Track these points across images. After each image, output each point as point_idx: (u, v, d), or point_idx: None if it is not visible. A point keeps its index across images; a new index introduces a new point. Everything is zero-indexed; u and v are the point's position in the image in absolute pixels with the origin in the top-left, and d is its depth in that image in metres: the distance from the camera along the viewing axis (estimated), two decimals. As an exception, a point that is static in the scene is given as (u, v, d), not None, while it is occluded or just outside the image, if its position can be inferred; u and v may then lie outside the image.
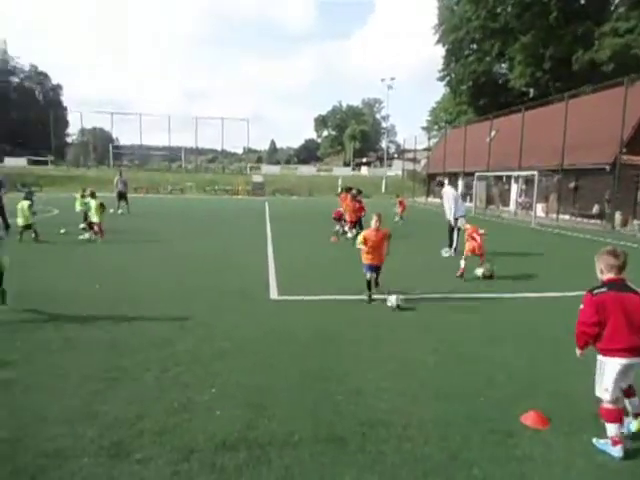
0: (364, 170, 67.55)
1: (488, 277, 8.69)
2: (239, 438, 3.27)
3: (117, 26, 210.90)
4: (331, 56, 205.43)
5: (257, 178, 51.32)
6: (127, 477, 2.83)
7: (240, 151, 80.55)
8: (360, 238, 7.01)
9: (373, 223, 7.13)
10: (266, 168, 63.19)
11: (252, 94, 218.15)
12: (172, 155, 66.40)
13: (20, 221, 12.12)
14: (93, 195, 13.63)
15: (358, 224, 14.09)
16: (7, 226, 13.62)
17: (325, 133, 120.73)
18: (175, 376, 4.25)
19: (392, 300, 6.58)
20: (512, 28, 42.44)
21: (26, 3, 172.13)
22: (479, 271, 8.76)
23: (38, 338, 5.14)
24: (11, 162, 51.97)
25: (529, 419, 3.54)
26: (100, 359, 4.59)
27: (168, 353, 4.80)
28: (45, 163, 56.60)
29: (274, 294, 7.37)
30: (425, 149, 50.36)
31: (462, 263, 8.90)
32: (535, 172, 22.76)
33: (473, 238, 8.99)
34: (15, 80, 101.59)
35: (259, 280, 8.29)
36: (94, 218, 12.97)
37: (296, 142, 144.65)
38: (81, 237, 12.94)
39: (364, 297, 6.97)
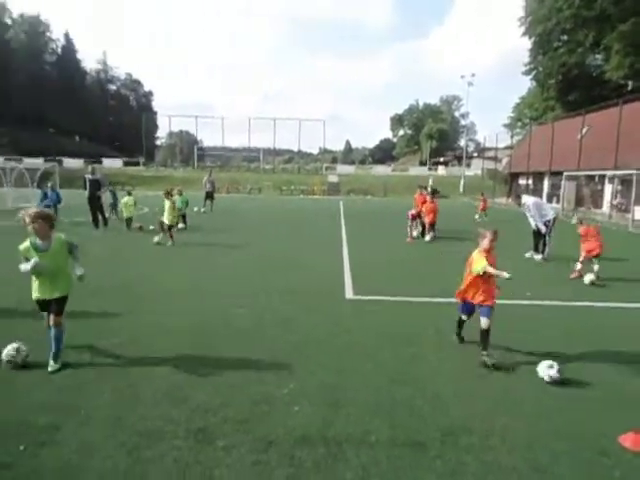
0: (441, 170, 65.71)
1: (594, 284, 8.14)
2: (317, 434, 3.32)
3: (200, 32, 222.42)
4: (408, 55, 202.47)
5: (332, 178, 51.76)
6: (212, 462, 2.99)
7: (316, 151, 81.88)
8: (482, 262, 4.66)
9: (486, 242, 4.82)
10: (341, 168, 63.52)
11: (329, 95, 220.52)
12: (251, 156, 68.83)
13: (125, 214, 14.71)
14: (169, 194, 12.54)
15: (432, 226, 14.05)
16: (105, 222, 14.90)
17: (401, 132, 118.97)
18: (254, 369, 4.40)
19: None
20: (609, 15, 39.17)
21: (122, 19, 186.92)
22: (589, 277, 8.22)
23: (141, 323, 5.56)
24: (108, 163, 56.68)
25: (629, 440, 3.25)
26: (185, 347, 4.87)
27: (247, 345, 4.98)
28: (137, 164, 61.03)
29: (349, 294, 7.40)
30: (507, 147, 47.95)
31: (578, 265, 8.43)
32: (633, 171, 20.86)
33: (592, 237, 8.49)
34: (112, 88, 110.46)
35: (334, 279, 8.35)
36: (165, 219, 12.02)
37: (371, 142, 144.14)
38: (155, 239, 11.97)
39: (454, 338, 5.30)
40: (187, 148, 77.39)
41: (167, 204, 12.17)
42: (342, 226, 17.54)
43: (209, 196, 22.64)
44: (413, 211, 14.61)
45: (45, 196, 15.59)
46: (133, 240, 12.91)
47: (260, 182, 49.11)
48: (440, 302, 6.91)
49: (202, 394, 3.85)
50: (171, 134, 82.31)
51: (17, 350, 4.25)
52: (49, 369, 4.20)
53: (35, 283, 4.28)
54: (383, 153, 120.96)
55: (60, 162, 39.02)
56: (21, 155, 49.91)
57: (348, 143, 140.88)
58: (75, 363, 4.41)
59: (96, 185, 14.41)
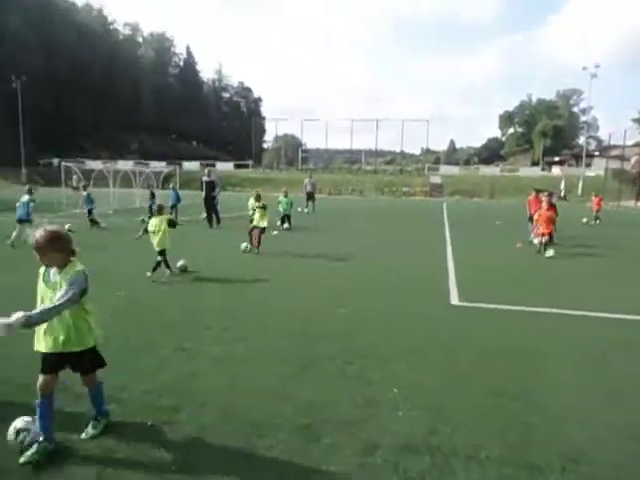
0: (555, 170, 60.61)
1: None
2: (422, 442, 3.22)
3: (304, 37, 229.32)
4: (518, 48, 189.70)
5: (435, 179, 50.31)
6: (317, 459, 3.03)
7: (418, 152, 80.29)
8: None
9: None
10: (445, 169, 61.44)
11: (433, 94, 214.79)
12: (353, 157, 69.42)
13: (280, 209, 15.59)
14: (258, 198, 11.36)
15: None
16: (218, 221, 15.97)
17: (511, 130, 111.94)
18: (358, 370, 4.40)
19: None
20: None
21: (235, 31, 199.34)
22: None
23: (247, 316, 5.87)
24: (221, 166, 60.72)
25: None
26: (294, 345, 5.02)
27: (351, 346, 5.00)
28: (246, 167, 64.60)
29: (455, 299, 7.11)
30: (636, 144, 42.85)
31: None
32: None
33: None
34: (226, 96, 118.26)
35: (438, 284, 8.09)
36: (258, 223, 10.96)
37: (477, 141, 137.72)
38: (243, 246, 11.04)
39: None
40: (292, 151, 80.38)
41: (258, 207, 11.13)
42: (445, 229, 16.96)
43: (310, 197, 23.25)
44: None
45: (177, 196, 17.36)
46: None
47: (361, 183, 49.29)
48: (558, 313, 6.35)
49: (307, 392, 3.93)
50: (277, 138, 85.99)
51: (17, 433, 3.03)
52: (82, 435, 3.18)
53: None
54: (490, 153, 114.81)
55: (180, 165, 42.69)
56: (147, 159, 55.52)
57: (452, 143, 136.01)
58: (192, 349, 4.77)
59: (211, 186, 15.54)
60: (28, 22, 68.34)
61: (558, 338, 5.42)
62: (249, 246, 10.88)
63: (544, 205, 12.24)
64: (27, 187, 12.56)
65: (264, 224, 10.90)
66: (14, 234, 11.10)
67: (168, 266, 8.19)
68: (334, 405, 3.73)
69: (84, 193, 15.53)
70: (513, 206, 31.45)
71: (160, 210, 8.38)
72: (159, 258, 8.02)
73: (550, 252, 11.07)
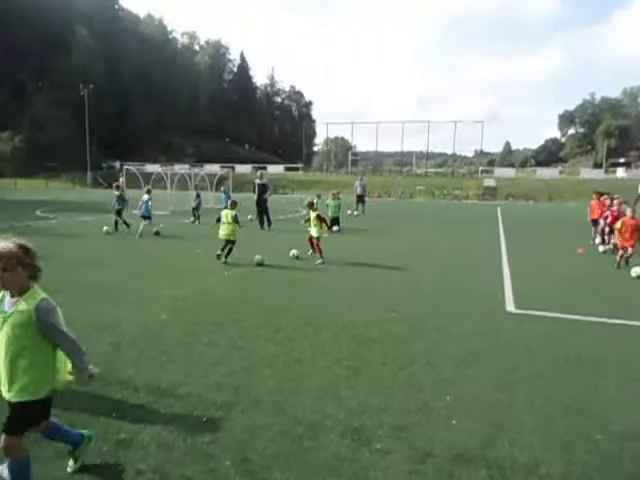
0: (620, 172, 57.20)
1: None
2: (477, 454, 3.12)
3: (355, 41, 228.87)
4: (581, 45, 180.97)
5: (489, 182, 48.78)
6: (367, 463, 3.01)
7: (471, 154, 78.15)
8: None
9: None
10: (499, 171, 59.50)
11: (488, 94, 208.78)
12: (403, 160, 68.60)
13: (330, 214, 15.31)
14: (311, 206, 10.85)
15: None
16: (270, 223, 16.24)
17: (571, 131, 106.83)
18: (410, 376, 4.34)
19: None
20: None
21: (287, 36, 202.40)
22: None
23: (304, 319, 5.93)
24: (272, 169, 61.81)
25: None
26: (346, 348, 5.02)
27: (403, 351, 4.94)
28: (296, 169, 65.39)
29: (510, 307, 6.85)
30: None
31: None
32: None
33: None
34: (278, 100, 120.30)
35: (493, 290, 7.83)
36: (313, 233, 10.28)
37: (534, 142, 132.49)
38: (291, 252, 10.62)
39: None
40: (341, 153, 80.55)
41: (312, 214, 10.51)
42: (500, 233, 16.40)
43: (360, 199, 23.17)
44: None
45: (228, 199, 18.00)
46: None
47: (412, 186, 48.60)
48: (621, 324, 5.98)
49: (359, 395, 3.92)
50: (327, 140, 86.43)
51: None
52: (68, 469, 2.87)
53: None
54: (548, 154, 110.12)
55: (233, 168, 43.83)
56: (202, 162, 57.38)
57: (508, 144, 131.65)
58: (245, 347, 4.87)
59: (263, 189, 15.84)
60: (94, 34, 72.65)
61: (621, 350, 5.10)
62: (297, 252, 10.50)
63: (628, 212, 10.40)
64: (146, 188, 14.80)
65: (316, 233, 10.24)
66: (140, 228, 13.84)
67: (227, 255, 9.62)
68: (385, 410, 3.69)
69: (116, 193, 15.07)
70: (573, 210, 29.98)
71: (233, 205, 10.09)
72: (229, 246, 9.61)
73: (637, 270, 8.94)
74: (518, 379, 4.33)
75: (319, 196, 16.62)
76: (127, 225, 14.89)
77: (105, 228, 14.32)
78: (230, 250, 9.59)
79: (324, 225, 10.49)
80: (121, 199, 14.96)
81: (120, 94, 74.80)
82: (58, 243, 11.88)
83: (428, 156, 70.60)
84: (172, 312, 6.09)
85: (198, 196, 18.13)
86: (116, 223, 14.76)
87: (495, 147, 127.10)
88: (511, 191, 45.01)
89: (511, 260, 10.79)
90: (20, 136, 59.76)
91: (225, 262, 9.50)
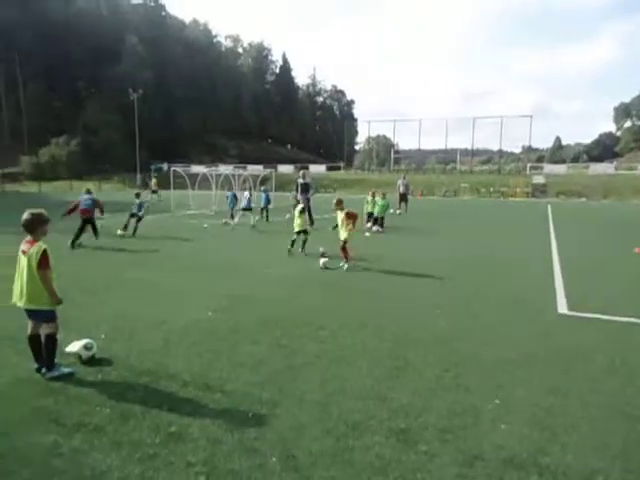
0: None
1: None
2: (529, 459, 3.02)
3: (397, 38, 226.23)
4: (635, 34, 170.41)
5: (538, 179, 47.00)
6: (413, 465, 2.97)
7: (518, 150, 75.61)
8: None
9: None
10: (549, 168, 57.15)
11: (536, 88, 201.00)
12: (447, 157, 67.26)
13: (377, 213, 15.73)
14: (341, 206, 9.46)
15: None
16: (312, 222, 16.33)
17: (628, 124, 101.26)
18: (455, 377, 4.25)
19: None
20: None
21: (328, 36, 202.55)
22: None
23: (347, 319, 5.94)
24: (313, 168, 62.10)
25: None
26: (389, 348, 4.98)
27: (447, 352, 4.85)
28: (338, 169, 65.35)
29: (562, 308, 6.58)
30: None
31: None
32: None
33: None
34: (319, 99, 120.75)
35: (544, 291, 7.54)
36: (341, 235, 9.30)
37: (587, 137, 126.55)
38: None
39: None
40: (383, 152, 79.83)
41: (339, 214, 9.38)
42: (550, 231, 15.77)
43: (403, 198, 22.90)
44: None
45: (267, 198, 18.38)
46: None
47: (456, 184, 47.52)
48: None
49: (403, 396, 3.88)
50: (369, 139, 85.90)
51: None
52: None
53: None
54: (602, 149, 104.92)
55: (275, 168, 44.35)
56: (245, 163, 58.43)
57: (558, 139, 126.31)
58: (289, 346, 4.92)
59: (306, 188, 15.94)
60: (143, 41, 75.43)
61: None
62: (326, 252, 9.58)
63: None
64: (248, 185, 16.10)
65: (344, 235, 9.24)
66: (253, 220, 16.01)
67: (303, 246, 10.68)
68: (430, 411, 3.63)
69: (137, 201, 14.31)
70: (632, 208, 28.42)
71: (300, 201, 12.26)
72: (302, 237, 10.71)
73: None
74: (571, 383, 4.15)
75: (374, 195, 16.07)
76: (134, 232, 13.77)
77: (119, 232, 13.51)
78: (305, 241, 10.75)
79: (352, 223, 9.31)
80: (140, 206, 14.23)
81: (167, 98, 77.32)
82: (109, 241, 12.42)
83: (473, 153, 68.83)
84: (218, 310, 6.24)
85: (235, 197, 18.40)
86: (133, 227, 13.92)
87: (544, 143, 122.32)
88: (562, 188, 43.14)
89: (563, 260, 10.36)
90: (75, 140, 62.76)
91: (304, 253, 10.60)
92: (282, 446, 3.15)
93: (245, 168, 45.06)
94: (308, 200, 16.02)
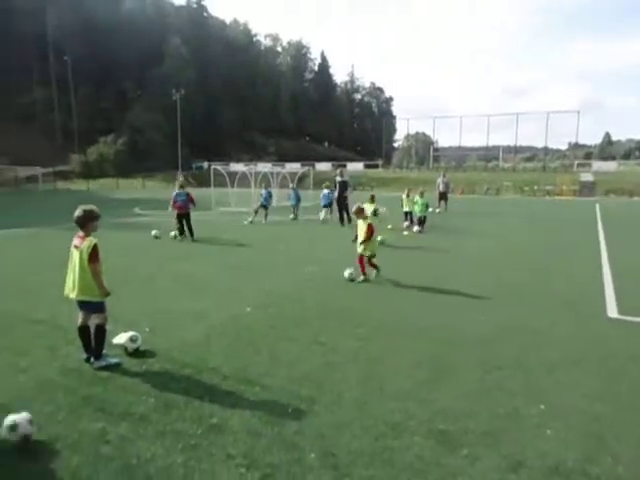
0: None
1: None
2: (576, 467, 2.91)
3: (438, 32, 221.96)
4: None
5: (586, 176, 45.07)
6: (454, 468, 2.91)
7: (564, 147, 72.78)
8: None
9: None
10: (598, 165, 54.68)
11: (583, 82, 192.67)
12: (489, 155, 65.57)
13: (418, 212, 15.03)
14: (363, 215, 8.09)
15: None
16: (349, 220, 16.29)
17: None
18: (498, 380, 4.14)
19: None
20: None
21: (368, 33, 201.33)
22: None
23: (385, 318, 5.91)
24: (351, 167, 61.94)
25: None
26: (429, 349, 4.91)
27: (490, 354, 4.72)
28: (376, 167, 64.93)
29: (613, 312, 6.28)
30: None
31: None
32: None
33: None
34: (357, 97, 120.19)
35: (593, 294, 7.22)
36: (361, 249, 7.87)
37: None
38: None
39: None
40: (422, 149, 78.60)
41: (360, 225, 8.16)
42: (599, 231, 15.10)
43: (442, 197, 22.49)
44: None
45: (297, 196, 18.62)
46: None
47: (498, 182, 46.23)
48: None
49: (444, 398, 3.81)
50: (408, 136, 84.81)
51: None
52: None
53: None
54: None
55: (313, 166, 44.49)
56: (283, 161, 58.93)
57: (607, 135, 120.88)
58: (327, 343, 4.93)
59: (344, 186, 15.92)
60: (185, 41, 77.30)
61: None
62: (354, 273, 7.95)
63: None
64: (325, 184, 16.77)
65: (363, 250, 7.85)
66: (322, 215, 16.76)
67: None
68: (471, 414, 3.54)
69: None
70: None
71: (372, 199, 12.34)
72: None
73: None
74: (622, 390, 3.96)
75: (422, 194, 15.32)
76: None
77: (154, 232, 13.00)
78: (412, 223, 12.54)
79: (368, 239, 7.84)
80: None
81: (208, 97, 79.00)
82: (151, 237, 12.82)
83: (517, 150, 66.80)
84: (257, 306, 6.32)
85: (295, 191, 18.60)
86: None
87: (592, 139, 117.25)
88: (612, 186, 41.20)
89: (613, 262, 9.89)
90: (121, 139, 65.18)
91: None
92: (321, 442, 3.16)
93: (283, 166, 45.46)
94: (346, 198, 15.98)
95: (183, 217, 12.62)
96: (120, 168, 59.87)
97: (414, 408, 3.63)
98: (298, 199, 18.78)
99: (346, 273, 7.90)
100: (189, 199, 12.78)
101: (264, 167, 37.20)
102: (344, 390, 3.92)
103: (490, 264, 9.66)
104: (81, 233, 4.28)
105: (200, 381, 4.07)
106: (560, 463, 2.95)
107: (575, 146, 72.93)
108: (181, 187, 13.03)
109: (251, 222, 16.73)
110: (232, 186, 24.14)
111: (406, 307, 6.46)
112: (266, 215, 17.41)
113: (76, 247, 4.23)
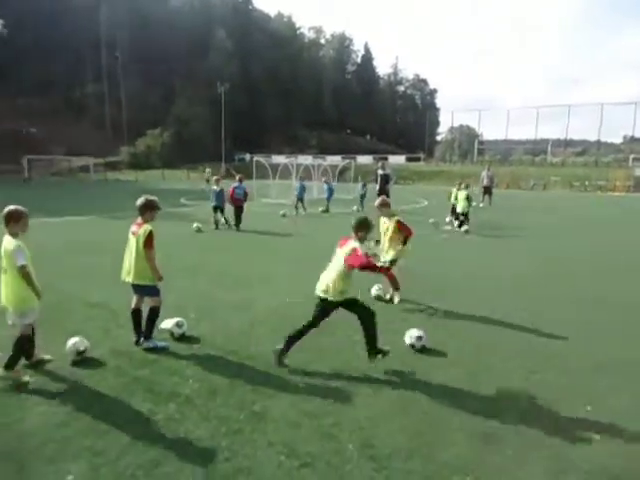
0: None
1: None
2: (626, 475, 2.81)
3: (484, 21, 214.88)
4: None
5: (642, 172, 42.70)
6: (499, 468, 2.88)
7: (619, 140, 69.02)
8: None
9: None
10: (655, 160, 51.59)
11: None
12: (536, 148, 63.20)
13: (459, 208, 13.87)
14: (388, 210, 6.62)
15: None
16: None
17: None
18: (541, 381, 4.03)
19: None
20: None
21: (412, 24, 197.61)
22: None
23: (416, 316, 5.86)
24: (393, 160, 61.30)
25: None
26: (465, 348, 4.83)
27: (532, 355, 4.59)
28: (418, 160, 63.92)
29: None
30: None
31: None
32: None
33: None
34: (401, 89, 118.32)
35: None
36: (386, 254, 6.19)
37: None
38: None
39: None
40: (466, 142, 76.57)
41: (383, 223, 6.69)
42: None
43: (487, 191, 21.92)
44: None
45: (330, 189, 18.67)
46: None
47: (546, 177, 44.55)
48: None
49: (483, 398, 3.75)
50: (452, 129, 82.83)
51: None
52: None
53: None
54: None
55: (354, 159, 44.32)
56: (325, 154, 58.95)
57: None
58: (361, 340, 4.92)
59: (386, 179, 15.82)
60: (229, 34, 78.27)
61: None
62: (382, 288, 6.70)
63: None
64: (362, 182, 17.68)
65: (391, 255, 6.32)
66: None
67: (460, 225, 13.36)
68: (516, 414, 3.47)
69: (215, 188, 13.42)
70: None
71: (466, 186, 13.86)
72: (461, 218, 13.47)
73: None
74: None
75: (467, 186, 14.30)
76: (227, 222, 13.56)
77: (195, 225, 12.93)
78: (462, 222, 13.42)
79: (405, 241, 6.43)
80: (220, 195, 13.31)
81: (251, 90, 79.87)
82: (185, 228, 13.17)
83: (567, 143, 64.01)
84: (296, 298, 6.37)
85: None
86: (216, 222, 13.37)
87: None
88: (670, 182, 38.90)
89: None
90: (168, 132, 66.99)
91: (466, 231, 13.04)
92: (359, 435, 3.18)
93: (324, 159, 45.49)
94: (388, 191, 15.86)
95: (238, 209, 13.30)
96: (166, 160, 61.62)
97: (456, 406, 3.59)
98: (331, 192, 18.80)
99: (373, 290, 6.63)
100: (245, 193, 13.51)
101: (305, 159, 37.35)
102: (383, 385, 3.93)
103: (531, 262, 9.34)
104: (139, 220, 4.48)
105: (243, 368, 4.17)
106: (610, 468, 2.87)
107: (631, 140, 69.04)
108: (240, 180, 13.81)
109: (284, 215, 16.65)
110: (274, 178, 24.39)
111: (440, 304, 6.36)
112: (303, 207, 17.59)
113: (133, 234, 4.44)
